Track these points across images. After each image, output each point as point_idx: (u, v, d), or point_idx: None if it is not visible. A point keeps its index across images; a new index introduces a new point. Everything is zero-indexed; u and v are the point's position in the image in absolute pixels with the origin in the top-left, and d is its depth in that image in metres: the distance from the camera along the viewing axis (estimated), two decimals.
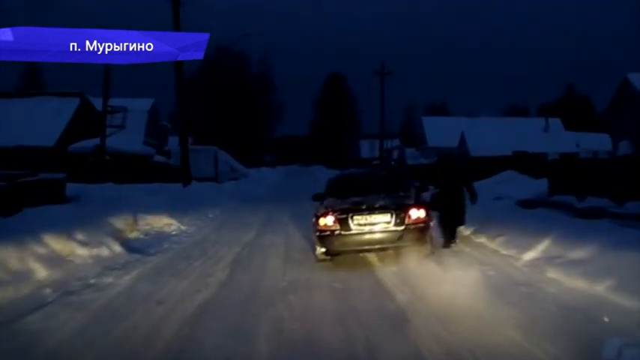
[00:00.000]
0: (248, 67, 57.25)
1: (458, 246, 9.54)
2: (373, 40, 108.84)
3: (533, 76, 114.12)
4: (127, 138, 33.20)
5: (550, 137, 43.59)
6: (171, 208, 14.00)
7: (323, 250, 8.42)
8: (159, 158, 28.45)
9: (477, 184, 17.50)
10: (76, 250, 8.65)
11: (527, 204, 13.71)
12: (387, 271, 7.96)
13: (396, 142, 77.18)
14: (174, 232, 12.41)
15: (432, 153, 41.18)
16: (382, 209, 8.33)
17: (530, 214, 11.70)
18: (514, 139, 38.85)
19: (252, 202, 21.08)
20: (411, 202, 8.66)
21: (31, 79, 58.16)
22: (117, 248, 9.46)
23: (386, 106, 43.89)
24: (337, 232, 8.25)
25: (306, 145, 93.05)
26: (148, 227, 12.10)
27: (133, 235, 11.30)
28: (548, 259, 7.59)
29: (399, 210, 8.29)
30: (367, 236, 8.28)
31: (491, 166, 24.82)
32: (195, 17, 22.10)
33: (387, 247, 8.43)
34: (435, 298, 6.15)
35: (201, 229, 13.40)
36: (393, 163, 46.15)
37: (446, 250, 9.19)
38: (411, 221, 8.24)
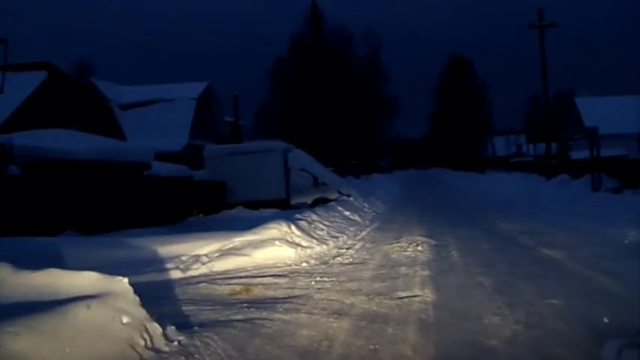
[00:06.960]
0: (352, 49, 43.12)
1: None
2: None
3: None
4: (168, 136, 23.58)
5: None
6: None
7: None
8: (164, 169, 14.35)
9: None
10: None
11: None
12: None
13: (522, 138, 64.61)
14: None
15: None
16: None
17: None
18: None
19: None
20: None
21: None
22: None
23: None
24: None
25: (423, 145, 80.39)
26: None
27: None
28: None
29: None
30: None
31: None
32: None
33: None
34: None
35: None
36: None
37: None
38: None
